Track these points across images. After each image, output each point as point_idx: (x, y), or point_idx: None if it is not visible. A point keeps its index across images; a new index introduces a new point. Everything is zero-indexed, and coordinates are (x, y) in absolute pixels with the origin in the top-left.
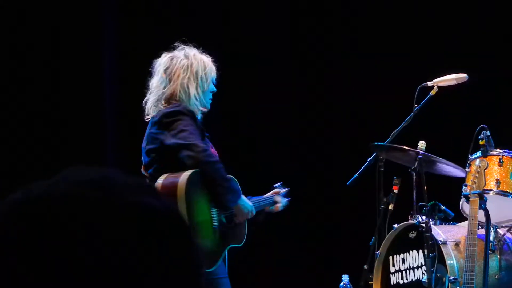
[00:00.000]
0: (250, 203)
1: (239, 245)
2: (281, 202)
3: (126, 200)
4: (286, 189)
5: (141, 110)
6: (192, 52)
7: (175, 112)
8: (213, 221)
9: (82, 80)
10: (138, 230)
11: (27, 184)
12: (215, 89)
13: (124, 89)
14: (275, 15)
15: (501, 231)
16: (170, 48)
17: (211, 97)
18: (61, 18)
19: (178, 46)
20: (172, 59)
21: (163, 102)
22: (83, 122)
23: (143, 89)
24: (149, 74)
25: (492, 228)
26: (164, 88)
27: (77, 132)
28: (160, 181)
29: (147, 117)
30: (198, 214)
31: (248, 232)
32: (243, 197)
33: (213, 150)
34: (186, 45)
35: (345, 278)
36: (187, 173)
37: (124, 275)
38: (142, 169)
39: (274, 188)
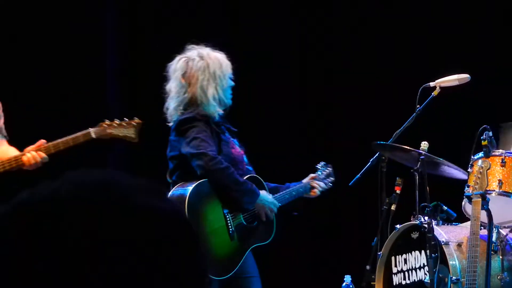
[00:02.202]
0: (271, 198)
1: (266, 242)
2: (319, 186)
3: (131, 202)
4: (327, 170)
5: (141, 110)
6: (205, 51)
7: (188, 119)
8: (229, 226)
9: (82, 80)
10: (144, 232)
11: (28, 184)
12: (233, 83)
13: (124, 89)
14: (276, 12)
15: (503, 232)
16: (180, 50)
17: (231, 92)
18: (61, 18)
19: (189, 47)
20: (187, 62)
21: (181, 108)
22: (83, 122)
23: (143, 89)
24: (164, 79)
25: (494, 229)
26: (185, 93)
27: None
28: (169, 193)
29: (169, 123)
30: (208, 224)
31: (277, 227)
32: (262, 193)
33: (234, 150)
34: (197, 45)
35: (347, 278)
36: (191, 187)
37: (129, 277)
38: (167, 175)
39: (317, 168)
